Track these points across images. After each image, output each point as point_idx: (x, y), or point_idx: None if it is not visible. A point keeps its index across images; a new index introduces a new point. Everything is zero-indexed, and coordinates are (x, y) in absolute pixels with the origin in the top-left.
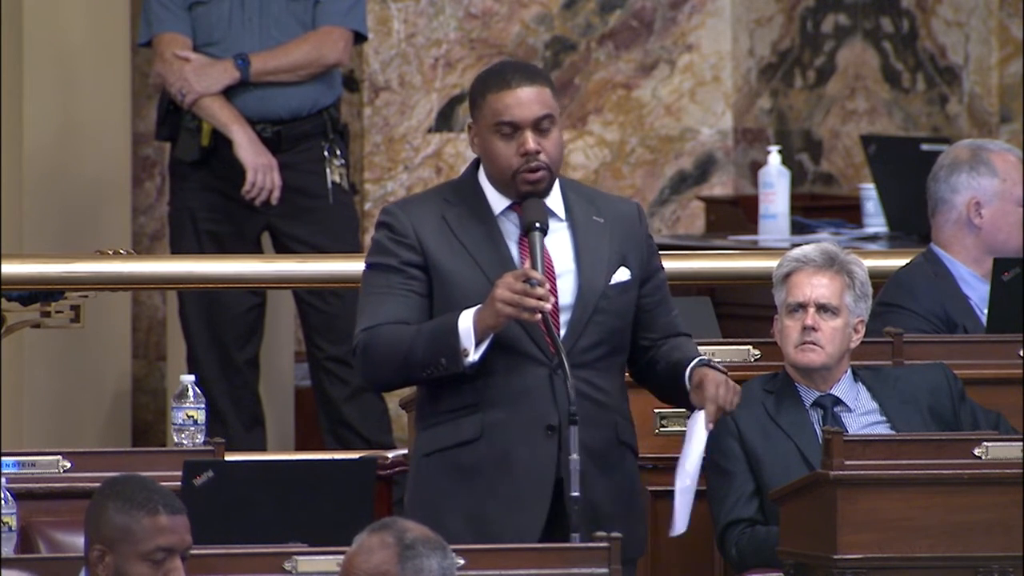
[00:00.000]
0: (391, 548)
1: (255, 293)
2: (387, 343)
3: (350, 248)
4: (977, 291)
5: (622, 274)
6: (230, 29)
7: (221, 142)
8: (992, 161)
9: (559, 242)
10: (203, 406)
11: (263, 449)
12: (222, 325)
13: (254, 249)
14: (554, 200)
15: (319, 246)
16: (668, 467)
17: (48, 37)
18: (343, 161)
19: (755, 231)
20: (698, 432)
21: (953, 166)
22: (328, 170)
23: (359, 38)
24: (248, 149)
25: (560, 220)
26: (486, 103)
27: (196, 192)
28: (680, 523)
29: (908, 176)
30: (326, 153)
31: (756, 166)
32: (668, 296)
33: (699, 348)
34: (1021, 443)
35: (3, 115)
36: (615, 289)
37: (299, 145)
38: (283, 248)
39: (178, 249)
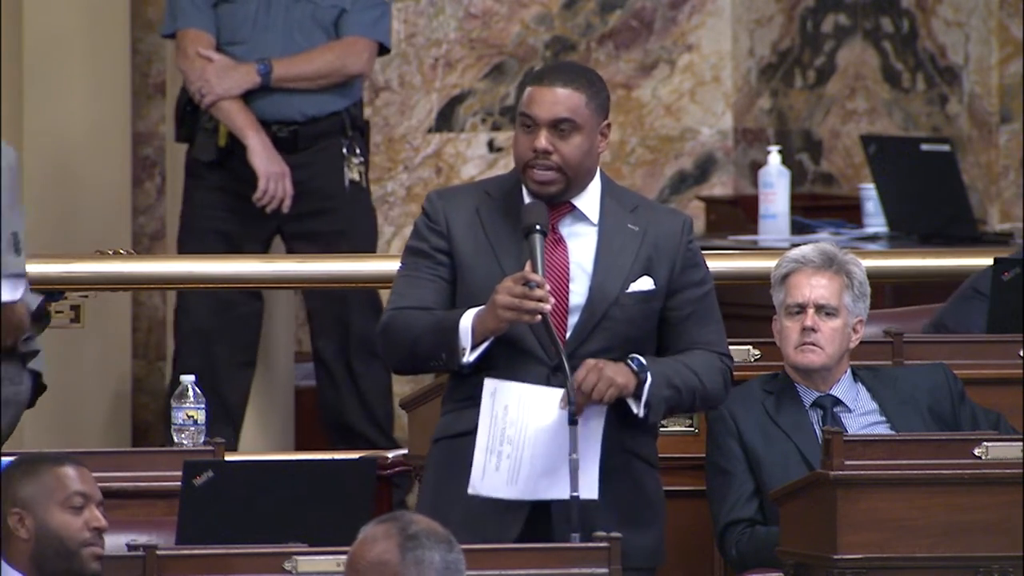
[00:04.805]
0: (393, 539)
1: (256, 296)
2: (403, 328)
3: (368, 245)
4: None
5: (644, 283)
6: (254, 30)
7: (237, 143)
8: None
9: (584, 245)
10: (203, 406)
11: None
12: (219, 326)
13: (266, 249)
14: (589, 204)
15: (335, 244)
16: (668, 467)
17: (48, 37)
18: (362, 159)
19: (755, 231)
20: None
21: None
22: (346, 168)
23: (383, 50)
24: (262, 156)
25: (591, 224)
26: (524, 93)
27: (212, 192)
28: (476, 482)
29: (908, 176)
30: (344, 151)
31: (756, 166)
32: (705, 313)
33: (710, 364)
34: (1021, 443)
35: (3, 115)
36: (632, 297)
37: (316, 144)
38: (296, 247)
39: (188, 249)
